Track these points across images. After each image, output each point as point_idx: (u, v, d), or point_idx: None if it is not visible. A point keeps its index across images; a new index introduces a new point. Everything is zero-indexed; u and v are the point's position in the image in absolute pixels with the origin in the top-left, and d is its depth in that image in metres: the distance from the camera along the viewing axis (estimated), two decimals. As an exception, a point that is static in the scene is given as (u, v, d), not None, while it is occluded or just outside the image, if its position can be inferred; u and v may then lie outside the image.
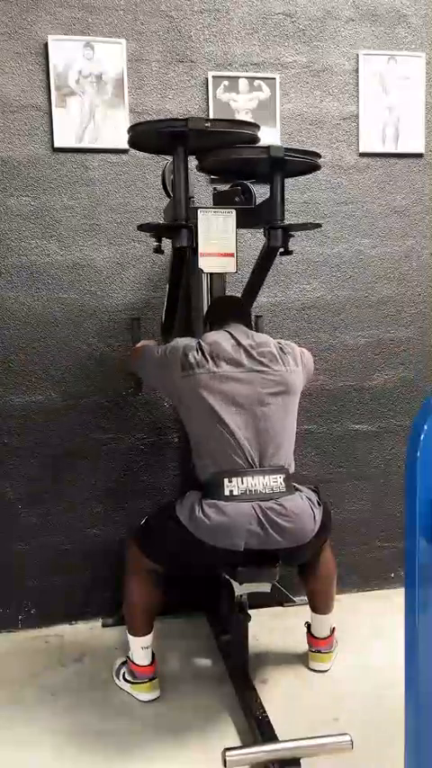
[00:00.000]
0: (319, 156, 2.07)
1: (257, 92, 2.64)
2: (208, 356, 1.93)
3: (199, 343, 1.98)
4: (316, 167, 2.12)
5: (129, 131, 2.00)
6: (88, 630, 2.62)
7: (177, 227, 1.97)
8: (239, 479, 1.89)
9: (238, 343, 1.98)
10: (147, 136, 2.00)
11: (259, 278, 2.35)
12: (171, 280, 2.28)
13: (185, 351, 1.95)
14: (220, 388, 1.91)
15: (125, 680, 2.19)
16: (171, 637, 2.48)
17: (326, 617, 2.29)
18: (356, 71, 2.73)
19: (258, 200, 2.24)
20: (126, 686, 2.19)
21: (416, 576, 1.18)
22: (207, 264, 2.06)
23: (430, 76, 2.81)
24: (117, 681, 2.23)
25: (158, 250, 2.06)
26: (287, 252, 2.13)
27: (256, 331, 2.45)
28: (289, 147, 2.08)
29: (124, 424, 2.66)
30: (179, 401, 2.02)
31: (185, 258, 2.11)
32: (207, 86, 2.60)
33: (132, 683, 2.17)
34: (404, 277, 2.87)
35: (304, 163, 2.07)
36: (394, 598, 2.77)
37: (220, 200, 2.36)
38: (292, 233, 2.13)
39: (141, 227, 2.06)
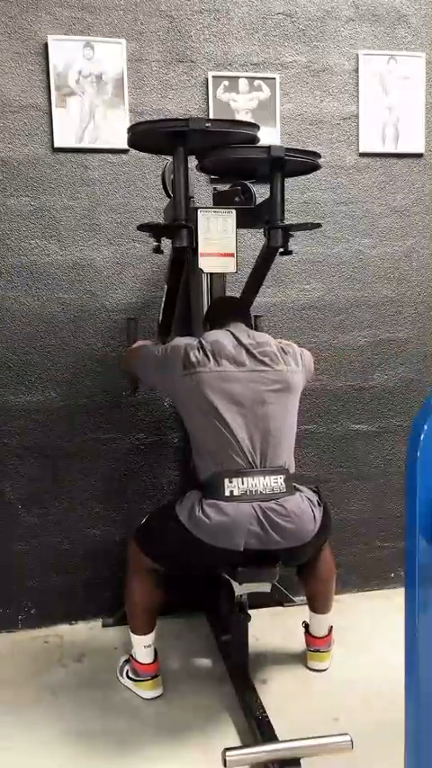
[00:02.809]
0: (318, 156, 2.07)
1: (257, 92, 2.64)
2: (209, 355, 1.93)
3: (200, 341, 1.97)
4: (316, 167, 2.12)
5: (128, 131, 2.00)
6: (88, 630, 2.62)
7: (177, 227, 1.97)
8: (240, 479, 1.89)
9: (239, 343, 1.98)
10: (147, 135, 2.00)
11: (259, 278, 2.34)
12: (169, 279, 2.28)
13: (187, 349, 1.94)
14: (221, 386, 1.91)
15: (128, 677, 2.20)
16: (171, 637, 2.48)
17: (325, 616, 2.30)
18: (356, 71, 2.73)
19: (258, 200, 2.24)
20: (129, 684, 2.20)
21: (416, 576, 1.18)
22: (207, 264, 2.06)
23: (430, 76, 2.81)
24: (120, 678, 2.23)
25: (158, 250, 2.06)
26: (287, 252, 2.13)
27: (256, 331, 2.45)
28: (289, 146, 2.08)
29: (124, 424, 2.66)
30: (180, 400, 2.02)
31: (186, 258, 2.10)
32: (207, 86, 2.60)
33: (135, 680, 2.18)
34: (404, 277, 2.87)
35: (304, 163, 2.07)
36: (394, 598, 2.77)
37: (220, 201, 2.36)
38: (292, 233, 2.13)
39: (141, 227, 2.06)
